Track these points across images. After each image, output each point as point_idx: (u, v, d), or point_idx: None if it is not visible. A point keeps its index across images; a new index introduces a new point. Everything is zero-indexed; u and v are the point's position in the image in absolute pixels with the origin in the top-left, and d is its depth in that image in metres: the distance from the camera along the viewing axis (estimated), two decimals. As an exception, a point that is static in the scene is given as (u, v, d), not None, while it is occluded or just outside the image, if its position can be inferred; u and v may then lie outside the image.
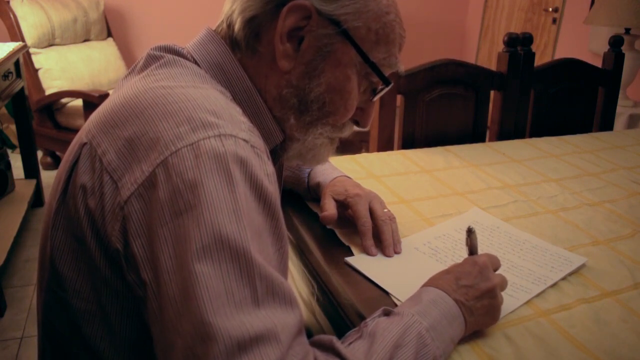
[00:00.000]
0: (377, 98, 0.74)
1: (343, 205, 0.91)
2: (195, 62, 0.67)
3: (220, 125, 0.54)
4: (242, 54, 0.68)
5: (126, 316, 0.59)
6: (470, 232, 0.72)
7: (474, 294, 0.66)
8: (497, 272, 0.72)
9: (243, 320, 0.47)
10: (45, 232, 0.63)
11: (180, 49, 0.68)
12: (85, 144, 0.59)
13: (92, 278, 0.58)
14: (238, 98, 0.67)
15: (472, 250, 0.73)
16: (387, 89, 0.72)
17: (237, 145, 0.54)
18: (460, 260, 0.84)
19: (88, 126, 0.62)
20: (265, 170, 0.56)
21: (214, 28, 0.71)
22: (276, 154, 0.74)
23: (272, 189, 0.56)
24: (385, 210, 0.89)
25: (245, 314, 0.47)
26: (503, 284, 0.71)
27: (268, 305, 0.49)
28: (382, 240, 0.86)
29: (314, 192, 0.99)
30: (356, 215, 0.87)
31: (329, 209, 0.89)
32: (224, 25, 0.69)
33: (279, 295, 0.50)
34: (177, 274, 0.49)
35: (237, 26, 0.66)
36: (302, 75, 0.67)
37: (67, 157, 0.62)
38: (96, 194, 0.56)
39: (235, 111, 0.60)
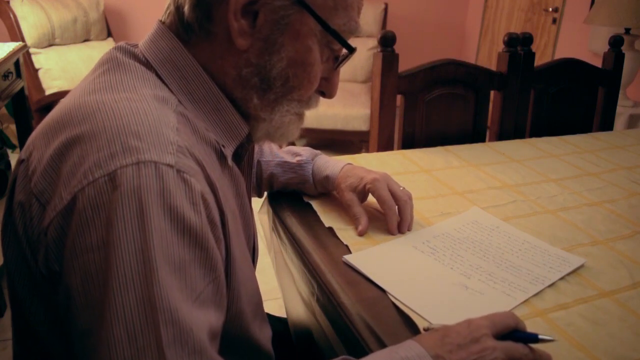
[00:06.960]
0: (341, 66, 0.71)
1: (362, 194, 0.94)
2: (147, 62, 0.64)
3: (140, 150, 0.51)
4: (196, 38, 0.64)
5: None
6: None
7: (460, 355, 0.58)
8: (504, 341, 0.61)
9: None
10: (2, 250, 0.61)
11: (133, 49, 0.65)
12: (22, 160, 0.58)
13: (44, 299, 0.56)
14: (196, 96, 0.64)
15: None
16: (351, 56, 0.69)
17: (157, 173, 0.51)
18: (458, 258, 0.85)
19: (30, 139, 0.60)
20: (191, 198, 0.53)
21: (161, 17, 0.67)
22: (243, 148, 0.72)
23: (198, 219, 0.53)
24: (402, 188, 0.94)
25: None
26: (503, 352, 0.59)
27: (174, 354, 0.47)
28: (401, 218, 0.92)
29: (322, 186, 0.99)
30: (381, 200, 0.92)
31: (360, 216, 0.92)
32: (172, 8, 0.65)
33: (189, 344, 0.48)
34: (84, 311, 0.48)
35: (186, 8, 0.62)
36: (261, 52, 0.63)
37: (12, 173, 0.60)
38: (27, 215, 0.54)
39: (168, 127, 0.55)
